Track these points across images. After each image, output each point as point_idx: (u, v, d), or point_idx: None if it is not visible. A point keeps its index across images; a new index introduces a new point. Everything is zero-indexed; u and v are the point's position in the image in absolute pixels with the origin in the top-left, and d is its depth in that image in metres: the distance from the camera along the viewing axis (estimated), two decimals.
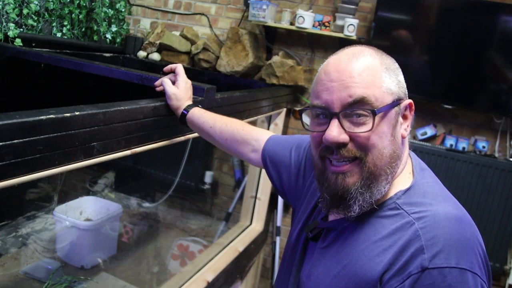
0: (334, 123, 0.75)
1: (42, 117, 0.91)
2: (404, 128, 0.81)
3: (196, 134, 1.38)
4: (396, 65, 0.82)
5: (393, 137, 0.77)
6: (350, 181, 0.76)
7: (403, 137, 0.81)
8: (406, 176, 0.82)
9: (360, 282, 0.74)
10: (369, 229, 0.77)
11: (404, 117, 0.81)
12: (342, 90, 0.75)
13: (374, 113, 0.74)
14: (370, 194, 0.76)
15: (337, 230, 0.82)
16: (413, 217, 0.73)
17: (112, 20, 2.79)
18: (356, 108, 0.74)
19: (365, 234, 0.77)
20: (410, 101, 0.81)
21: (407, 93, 0.82)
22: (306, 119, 2.14)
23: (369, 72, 0.76)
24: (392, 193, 0.79)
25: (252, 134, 1.16)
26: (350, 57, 0.78)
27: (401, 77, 0.81)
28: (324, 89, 0.77)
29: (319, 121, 0.79)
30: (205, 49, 2.72)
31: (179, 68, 1.32)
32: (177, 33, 2.84)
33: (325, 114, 0.78)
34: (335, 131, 0.75)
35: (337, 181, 0.77)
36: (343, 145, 0.75)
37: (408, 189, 0.78)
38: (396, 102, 0.78)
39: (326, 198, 0.80)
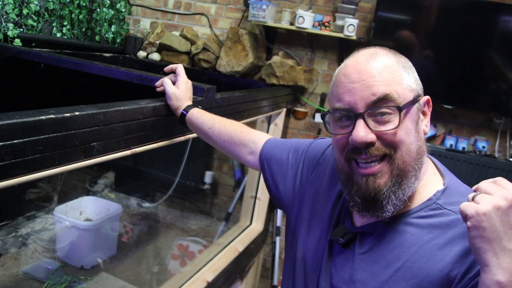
0: (360, 123, 0.75)
1: (42, 117, 0.91)
2: (425, 124, 0.82)
3: (195, 134, 1.38)
4: (410, 63, 0.83)
5: (417, 133, 0.79)
6: (382, 182, 0.76)
7: (424, 133, 0.82)
8: (433, 176, 0.83)
9: (421, 283, 0.74)
10: (415, 230, 0.77)
11: (424, 114, 0.83)
12: (365, 89, 0.75)
13: (400, 110, 0.75)
14: (402, 191, 0.77)
15: (373, 234, 0.81)
16: None
17: (113, 20, 2.79)
18: (380, 106, 0.75)
19: (412, 235, 0.77)
20: (428, 97, 0.83)
21: (423, 90, 0.83)
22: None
23: (388, 70, 0.77)
24: (426, 194, 0.80)
25: (250, 136, 1.15)
26: (368, 57, 0.79)
27: (416, 75, 0.82)
28: (345, 91, 0.77)
29: (342, 124, 0.79)
30: (205, 49, 2.72)
31: (180, 68, 1.33)
32: (177, 33, 2.84)
33: (348, 116, 0.78)
34: (362, 131, 0.75)
35: (368, 184, 0.77)
36: (371, 144, 0.75)
37: (445, 190, 0.80)
38: (416, 98, 0.79)
39: (357, 201, 0.79)
